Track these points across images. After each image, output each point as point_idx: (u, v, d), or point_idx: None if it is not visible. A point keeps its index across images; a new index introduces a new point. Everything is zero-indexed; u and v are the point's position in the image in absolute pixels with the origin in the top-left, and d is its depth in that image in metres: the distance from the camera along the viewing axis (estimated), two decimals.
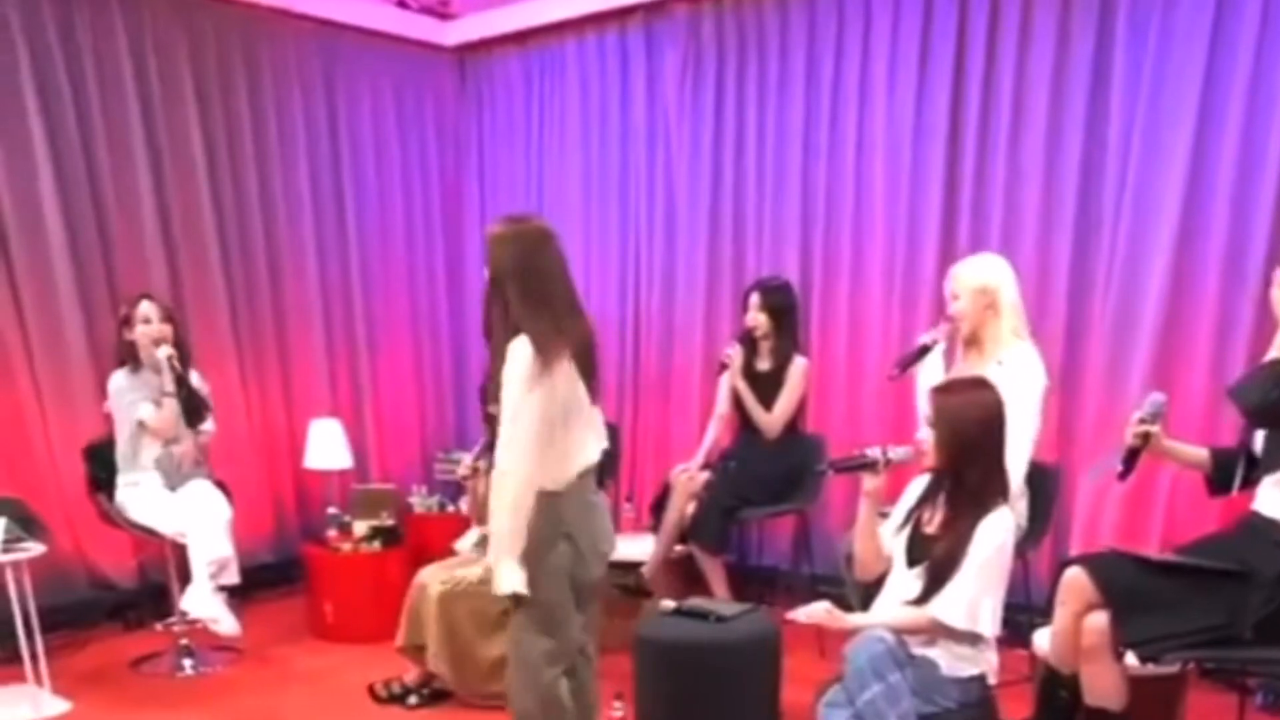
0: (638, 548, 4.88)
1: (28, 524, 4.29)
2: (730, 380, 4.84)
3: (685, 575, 4.89)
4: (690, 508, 4.69)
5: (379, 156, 6.28)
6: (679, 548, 4.78)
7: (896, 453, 3.32)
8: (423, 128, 6.54)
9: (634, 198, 5.93)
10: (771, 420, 4.79)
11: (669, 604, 4.00)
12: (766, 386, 4.80)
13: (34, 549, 4.25)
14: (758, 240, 5.57)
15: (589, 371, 2.92)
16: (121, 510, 4.63)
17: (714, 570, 4.71)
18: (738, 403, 4.86)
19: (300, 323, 5.99)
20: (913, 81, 4.97)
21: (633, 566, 4.72)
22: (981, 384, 3.28)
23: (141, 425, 4.53)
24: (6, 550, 4.15)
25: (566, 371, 2.84)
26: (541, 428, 2.79)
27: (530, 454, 2.79)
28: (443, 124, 6.66)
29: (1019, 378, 3.73)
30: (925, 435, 3.31)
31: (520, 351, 2.82)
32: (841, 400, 5.31)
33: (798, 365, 4.82)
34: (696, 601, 4.07)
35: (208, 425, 4.73)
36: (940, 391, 3.30)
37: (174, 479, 4.61)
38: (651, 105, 5.84)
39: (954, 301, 3.87)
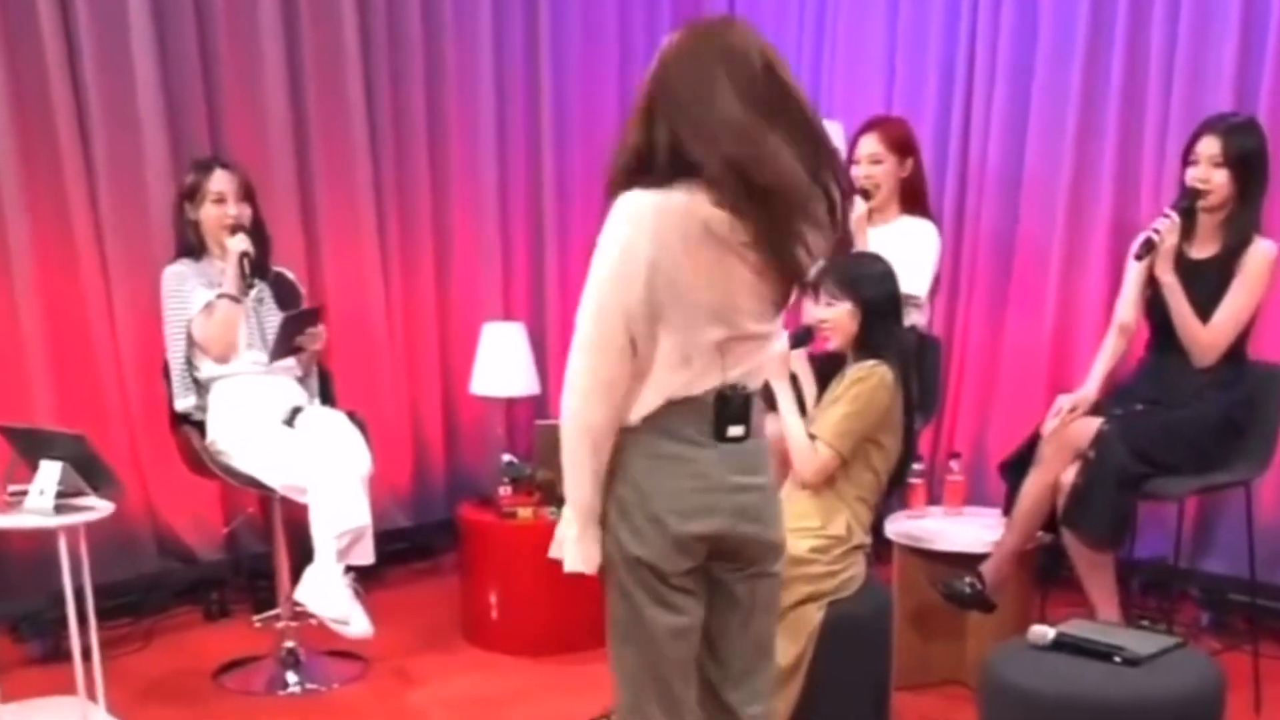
0: (972, 533, 4.67)
1: (91, 471, 4.21)
2: (1143, 271, 4.52)
3: (1042, 577, 4.81)
4: (1069, 474, 4.33)
5: None
6: (1041, 535, 4.50)
7: None
8: None
9: (967, 14, 5.79)
10: (1211, 336, 4.43)
11: (1045, 630, 3.65)
12: (1201, 284, 4.44)
13: (99, 509, 4.18)
14: (1164, 72, 5.26)
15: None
16: (215, 452, 4.60)
17: (1099, 574, 4.39)
18: (1151, 308, 4.57)
19: (466, 195, 6.06)
20: None
21: (965, 562, 4.48)
22: None
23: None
24: (61, 509, 4.08)
25: (684, 253, 2.61)
26: (615, 330, 2.63)
27: (588, 369, 2.66)
28: None
29: None
30: None
31: (623, 211, 2.63)
32: None
33: (1261, 252, 4.41)
34: (1088, 628, 3.76)
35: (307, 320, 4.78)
36: None
37: (279, 348, 4.65)
38: None
39: None
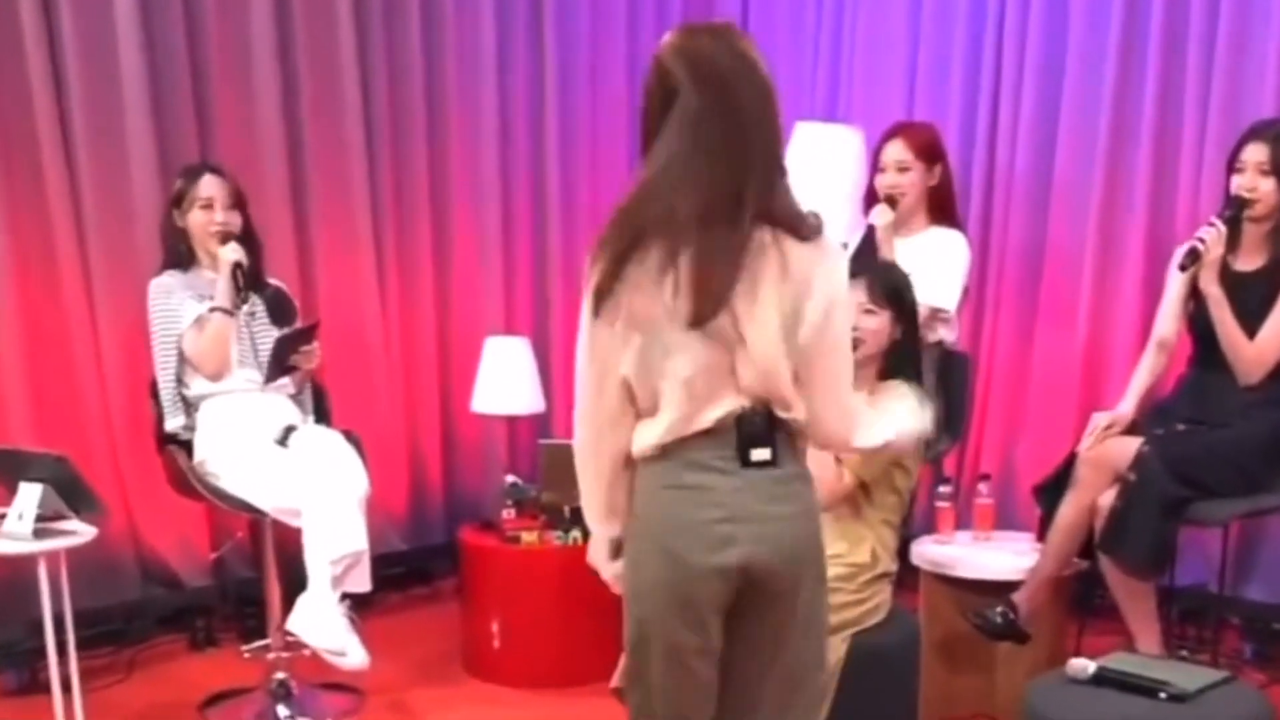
0: (1003, 559, 4.64)
1: (73, 493, 4.21)
2: (1185, 283, 4.49)
3: (1076, 605, 4.78)
4: (1108, 497, 4.31)
5: None
6: (1078, 561, 4.49)
7: None
8: None
9: (994, 11, 5.79)
10: (1257, 352, 4.40)
11: (1085, 664, 3.62)
12: (1247, 298, 4.42)
13: (81, 533, 4.21)
14: (1203, 72, 5.20)
15: (697, 286, 2.65)
16: (204, 473, 4.56)
17: (1139, 602, 4.38)
18: (1193, 322, 4.54)
19: (467, 203, 6.05)
20: None
21: (996, 590, 4.46)
22: None
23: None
24: (41, 534, 4.08)
25: (636, 280, 2.67)
26: (593, 361, 2.75)
27: (583, 397, 2.78)
28: None
29: None
30: None
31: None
32: None
33: None
34: (1130, 661, 3.75)
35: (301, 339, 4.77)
36: None
37: (273, 370, 4.60)
38: None
39: None
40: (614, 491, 2.78)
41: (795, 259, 2.61)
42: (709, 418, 2.67)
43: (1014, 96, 5.64)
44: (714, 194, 2.60)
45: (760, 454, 2.70)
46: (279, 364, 4.59)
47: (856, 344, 3.89)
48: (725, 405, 2.68)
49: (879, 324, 3.88)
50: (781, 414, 2.69)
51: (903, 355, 3.98)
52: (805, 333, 2.65)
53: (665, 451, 2.70)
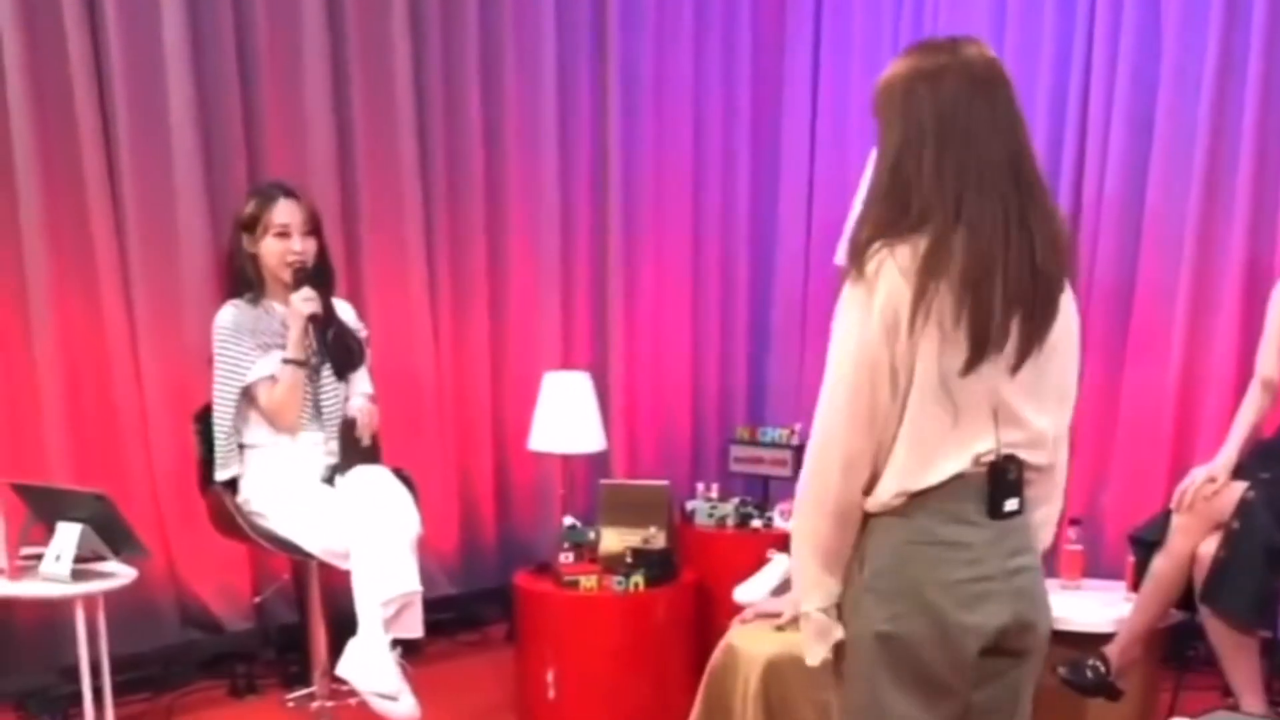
0: (1093, 609, 4.62)
1: (112, 533, 4.23)
2: None
3: (1171, 659, 4.80)
4: (1209, 545, 4.27)
5: (662, 9, 6.39)
6: (1175, 613, 4.45)
7: None
8: None
9: (1080, 42, 5.73)
10: None
11: None
12: None
13: (120, 575, 4.25)
14: None
15: (986, 317, 2.53)
16: (249, 512, 4.51)
17: (1242, 657, 4.30)
18: None
19: (525, 232, 6.08)
20: None
21: (1086, 642, 4.42)
22: None
23: (249, 395, 4.53)
24: (79, 575, 4.12)
25: (938, 308, 2.53)
26: (861, 397, 2.57)
27: (838, 439, 2.61)
28: None
29: None
30: None
31: (875, 269, 2.58)
32: None
33: None
34: None
35: (364, 384, 4.75)
36: None
37: (349, 457, 4.49)
38: None
39: None
40: None
41: None
42: None
43: (1103, 121, 5.59)
44: None
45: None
46: (352, 448, 4.53)
47: None
48: None
49: None
50: None
51: None
52: None
53: None
